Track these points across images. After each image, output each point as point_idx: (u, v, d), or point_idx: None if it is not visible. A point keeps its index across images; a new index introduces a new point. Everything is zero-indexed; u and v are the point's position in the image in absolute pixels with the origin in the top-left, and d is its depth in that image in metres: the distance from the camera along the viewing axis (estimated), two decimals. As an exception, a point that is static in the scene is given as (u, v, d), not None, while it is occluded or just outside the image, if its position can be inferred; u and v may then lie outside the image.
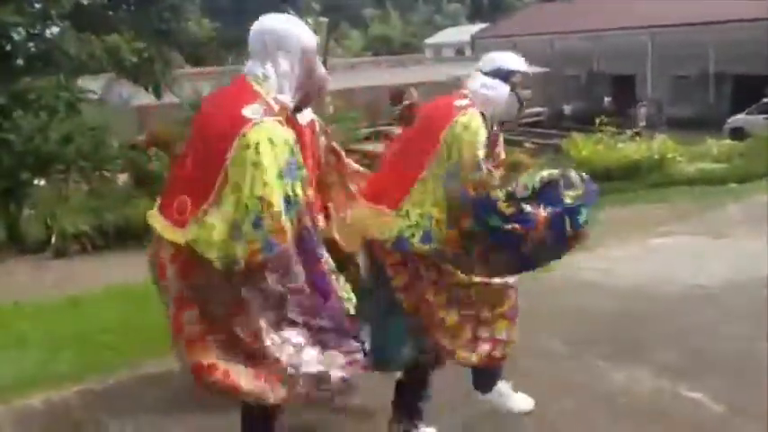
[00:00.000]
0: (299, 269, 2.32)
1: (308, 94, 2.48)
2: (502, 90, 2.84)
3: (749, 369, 3.66)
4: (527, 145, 17.35)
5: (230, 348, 2.33)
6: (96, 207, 8.47)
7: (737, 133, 20.03)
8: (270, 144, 2.23)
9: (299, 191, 2.28)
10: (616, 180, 11.11)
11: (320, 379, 2.37)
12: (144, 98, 10.00)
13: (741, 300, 4.84)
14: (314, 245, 2.38)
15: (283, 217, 2.23)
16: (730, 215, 7.86)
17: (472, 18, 60.60)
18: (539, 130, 24.58)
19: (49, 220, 7.70)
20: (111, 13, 9.04)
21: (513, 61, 2.93)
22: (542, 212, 2.61)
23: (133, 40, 8.06)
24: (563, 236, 2.64)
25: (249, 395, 2.33)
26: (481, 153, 2.70)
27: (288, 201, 2.25)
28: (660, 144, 12.50)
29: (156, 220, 2.38)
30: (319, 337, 2.40)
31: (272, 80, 2.38)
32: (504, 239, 2.62)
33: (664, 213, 8.13)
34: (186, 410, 3.43)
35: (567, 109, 30.63)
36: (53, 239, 7.48)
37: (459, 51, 44.61)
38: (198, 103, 10.02)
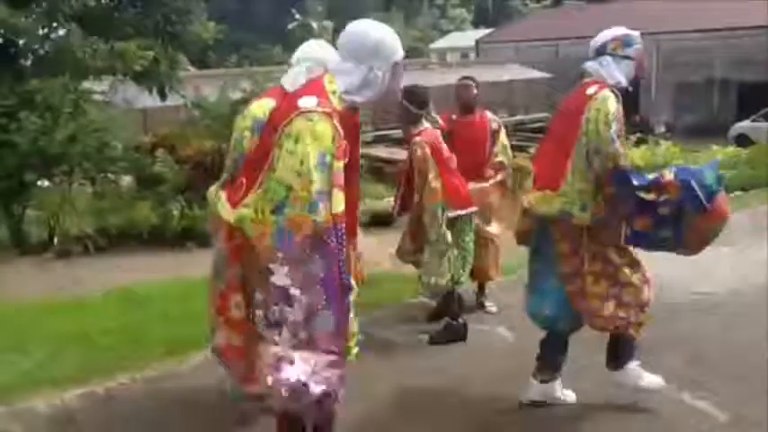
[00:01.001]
0: (314, 269, 2.21)
1: (382, 103, 2.52)
2: (612, 61, 3.29)
3: (754, 377, 3.65)
4: (532, 151, 17.31)
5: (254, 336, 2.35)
6: (100, 209, 8.46)
7: (742, 140, 19.98)
8: (311, 135, 2.23)
9: (326, 187, 2.22)
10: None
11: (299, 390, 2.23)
12: (148, 100, 9.96)
13: (745, 307, 4.83)
14: (334, 245, 2.24)
15: (306, 212, 2.19)
16: (734, 222, 7.80)
17: (477, 23, 60.67)
18: (542, 136, 24.54)
19: (52, 221, 7.70)
20: (117, 14, 9.03)
21: (606, 33, 3.43)
22: (669, 175, 3.09)
23: (140, 43, 8.05)
24: (697, 198, 3.03)
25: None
26: (614, 128, 3.07)
27: (319, 194, 2.21)
28: (665, 151, 12.47)
29: (219, 198, 2.52)
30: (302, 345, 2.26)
31: (352, 79, 2.38)
32: (642, 203, 3.07)
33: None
34: (187, 413, 3.43)
35: (572, 115, 30.62)
36: (55, 241, 7.47)
37: (464, 56, 44.63)
38: (202, 105, 10.03)
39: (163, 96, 8.79)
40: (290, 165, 2.21)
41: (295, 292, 2.19)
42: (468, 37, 47.24)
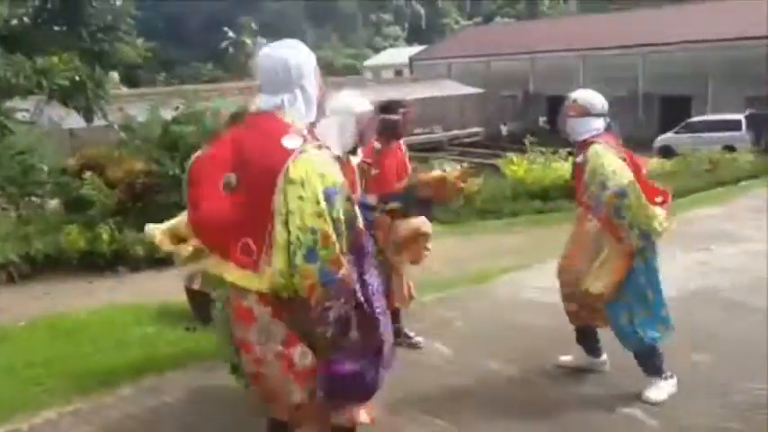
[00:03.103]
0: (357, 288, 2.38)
1: (321, 105, 2.52)
2: None
3: (681, 382, 3.75)
4: (465, 164, 17.56)
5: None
6: (24, 234, 8.15)
7: (666, 152, 20.80)
8: (315, 174, 2.25)
9: (341, 215, 2.29)
10: (552, 199, 11.34)
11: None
12: (75, 120, 9.67)
13: (671, 313, 4.98)
14: (363, 268, 2.44)
15: (336, 245, 2.24)
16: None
17: (410, 40, 61.47)
18: (477, 150, 24.99)
19: (-26, 248, 7.38)
20: (41, 32, 8.75)
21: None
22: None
23: (65, 62, 7.81)
24: None
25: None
26: None
27: (335, 226, 2.26)
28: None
29: (225, 268, 2.36)
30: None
31: (296, 107, 2.41)
32: None
33: (598, 231, 8.33)
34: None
35: (504, 129, 31.27)
36: (-23, 269, 7.16)
37: (398, 73, 45.10)
38: (130, 127, 9.78)
39: (89, 118, 8.54)
40: (308, 209, 2.22)
41: (351, 313, 2.34)
42: (402, 54, 47.78)
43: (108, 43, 8.71)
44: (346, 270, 2.29)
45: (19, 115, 8.47)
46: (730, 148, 17.89)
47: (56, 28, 8.81)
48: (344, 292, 2.30)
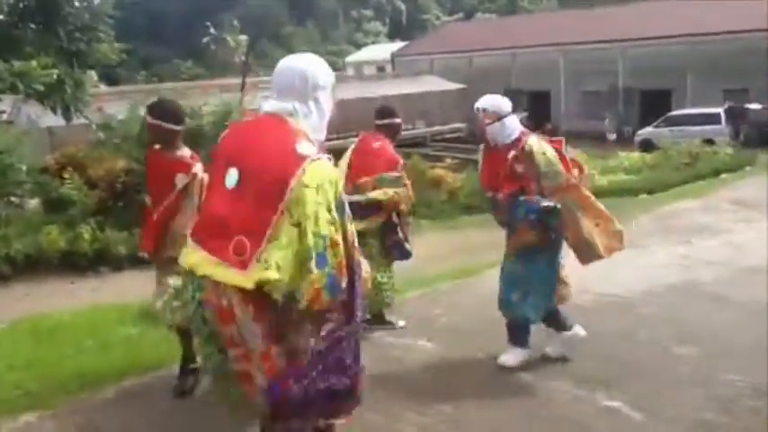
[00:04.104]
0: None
1: (330, 122, 2.54)
2: None
3: (665, 374, 3.80)
4: (448, 160, 17.62)
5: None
6: (4, 235, 8.05)
7: (647, 145, 20.98)
8: (329, 182, 2.30)
9: (350, 227, 2.37)
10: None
11: None
12: (54, 118, 9.57)
13: (654, 307, 5.04)
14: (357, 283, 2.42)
15: (342, 253, 2.29)
16: (641, 225, 8.19)
17: (392, 36, 61.45)
18: (459, 146, 25.03)
19: (-48, 250, 7.27)
20: (16, 32, 8.61)
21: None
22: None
23: (42, 62, 7.69)
24: None
25: None
26: None
27: (343, 237, 2.32)
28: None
29: (213, 267, 2.32)
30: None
31: (312, 118, 2.44)
32: None
33: (580, 225, 8.38)
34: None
35: (487, 124, 31.31)
36: (-44, 271, 7.06)
37: (380, 69, 45.07)
38: (109, 125, 9.68)
39: (68, 117, 8.44)
40: (323, 215, 2.26)
41: (342, 332, 2.37)
42: (383, 50, 47.74)
43: (86, 43, 8.59)
44: (346, 281, 2.33)
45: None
46: (710, 142, 18.09)
47: (32, 26, 8.67)
48: (341, 304, 2.34)
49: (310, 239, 2.23)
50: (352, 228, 2.40)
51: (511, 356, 3.98)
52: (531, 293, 3.86)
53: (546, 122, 28.23)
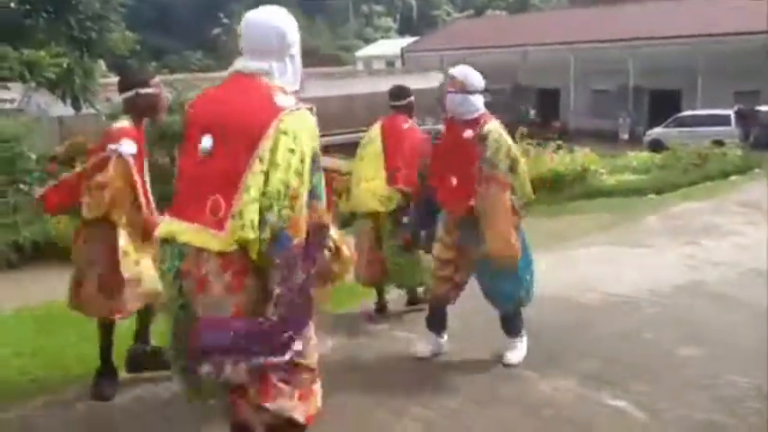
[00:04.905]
0: (300, 275, 2.20)
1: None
2: None
3: (670, 375, 3.79)
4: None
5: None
6: (13, 222, 8.08)
7: (656, 145, 20.88)
8: (306, 132, 2.22)
9: (323, 184, 2.28)
10: (540, 191, 11.34)
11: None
12: (64, 108, 9.60)
13: (660, 307, 5.02)
14: (317, 246, 2.29)
15: (304, 211, 2.18)
16: (649, 225, 8.17)
17: (402, 32, 61.32)
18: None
19: (-38, 236, 7.32)
20: (27, 21, 8.64)
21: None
22: None
23: (52, 51, 7.72)
24: None
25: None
26: None
27: (312, 194, 2.22)
28: (583, 157, 12.87)
29: (190, 233, 2.22)
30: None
31: (287, 75, 2.37)
32: None
33: (586, 224, 8.38)
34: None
35: (495, 121, 31.21)
36: (-35, 257, 7.11)
37: (390, 64, 44.99)
38: (116, 115, 9.68)
39: (77, 107, 8.47)
40: (294, 163, 2.16)
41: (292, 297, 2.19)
42: (393, 45, 47.65)
43: (96, 32, 8.61)
44: (299, 242, 2.18)
45: (6, 104, 8.39)
46: (719, 143, 17.98)
47: (44, 15, 8.70)
48: (289, 267, 2.17)
49: (276, 188, 2.13)
50: (323, 187, 2.30)
51: (515, 354, 3.98)
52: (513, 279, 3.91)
53: (554, 120, 28.17)
